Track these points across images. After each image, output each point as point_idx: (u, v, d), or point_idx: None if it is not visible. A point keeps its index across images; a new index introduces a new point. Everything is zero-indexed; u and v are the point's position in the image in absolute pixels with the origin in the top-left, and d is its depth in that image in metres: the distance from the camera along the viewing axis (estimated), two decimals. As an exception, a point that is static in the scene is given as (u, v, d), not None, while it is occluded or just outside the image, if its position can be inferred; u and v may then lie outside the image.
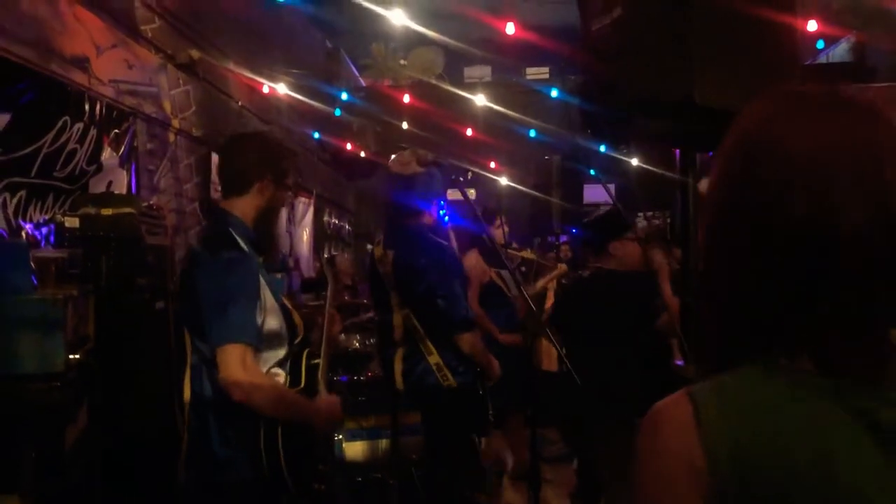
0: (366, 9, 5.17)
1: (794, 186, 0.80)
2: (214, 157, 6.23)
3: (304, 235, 8.98)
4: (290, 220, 8.54)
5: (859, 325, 0.80)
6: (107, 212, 3.35)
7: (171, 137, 5.50)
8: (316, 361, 2.41)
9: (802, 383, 0.80)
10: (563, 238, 7.19)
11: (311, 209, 9.26)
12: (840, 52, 6.33)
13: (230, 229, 2.28)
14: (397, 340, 3.31)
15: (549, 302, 5.95)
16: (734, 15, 1.64)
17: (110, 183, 4.47)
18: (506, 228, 5.32)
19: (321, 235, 9.87)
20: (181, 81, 5.66)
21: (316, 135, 9.36)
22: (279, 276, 5.61)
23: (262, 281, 2.24)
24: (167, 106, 5.41)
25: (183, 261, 2.63)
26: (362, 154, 9.74)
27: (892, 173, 0.79)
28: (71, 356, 2.76)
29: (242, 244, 2.25)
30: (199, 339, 2.20)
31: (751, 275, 0.84)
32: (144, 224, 3.50)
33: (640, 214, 8.57)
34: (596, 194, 8.52)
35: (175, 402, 3.58)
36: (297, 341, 2.37)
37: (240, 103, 6.97)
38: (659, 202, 8.43)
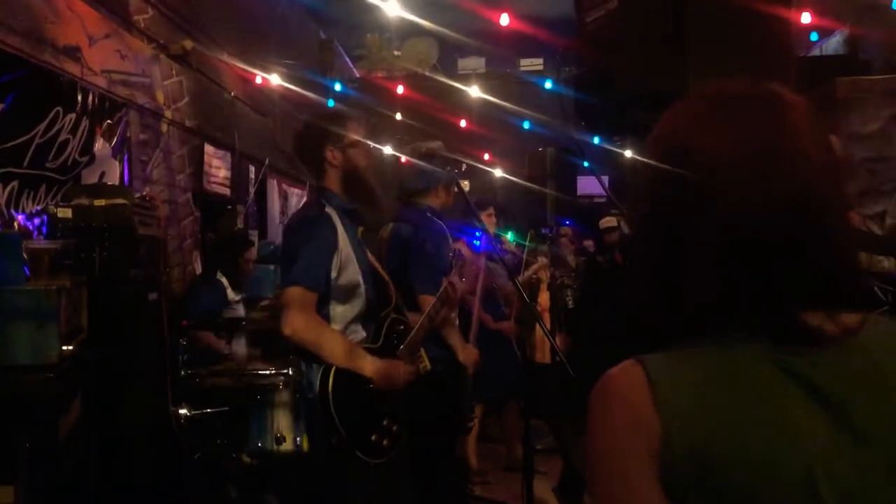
0: (360, -1, 5.15)
1: (712, 189, 0.83)
2: (208, 148, 6.22)
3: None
4: (284, 212, 8.52)
5: (790, 303, 0.82)
6: (99, 203, 3.35)
7: (164, 128, 5.47)
8: (402, 328, 2.59)
9: (749, 355, 0.81)
10: (560, 226, 7.02)
11: (305, 200, 9.23)
12: (834, 44, 6.33)
13: (323, 200, 2.52)
14: None
15: (543, 294, 5.97)
16: (728, 6, 1.64)
17: (103, 174, 4.45)
18: (495, 219, 5.31)
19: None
20: (174, 72, 5.64)
21: (309, 126, 9.32)
22: (271, 267, 5.57)
23: (346, 239, 2.44)
24: (160, 96, 5.39)
25: None
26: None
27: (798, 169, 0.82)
28: (64, 347, 2.75)
29: (330, 210, 2.46)
30: None
31: (693, 266, 0.84)
32: (137, 215, 3.49)
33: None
34: (589, 185, 8.53)
35: (167, 392, 3.59)
36: (387, 310, 2.58)
37: (233, 94, 6.94)
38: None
